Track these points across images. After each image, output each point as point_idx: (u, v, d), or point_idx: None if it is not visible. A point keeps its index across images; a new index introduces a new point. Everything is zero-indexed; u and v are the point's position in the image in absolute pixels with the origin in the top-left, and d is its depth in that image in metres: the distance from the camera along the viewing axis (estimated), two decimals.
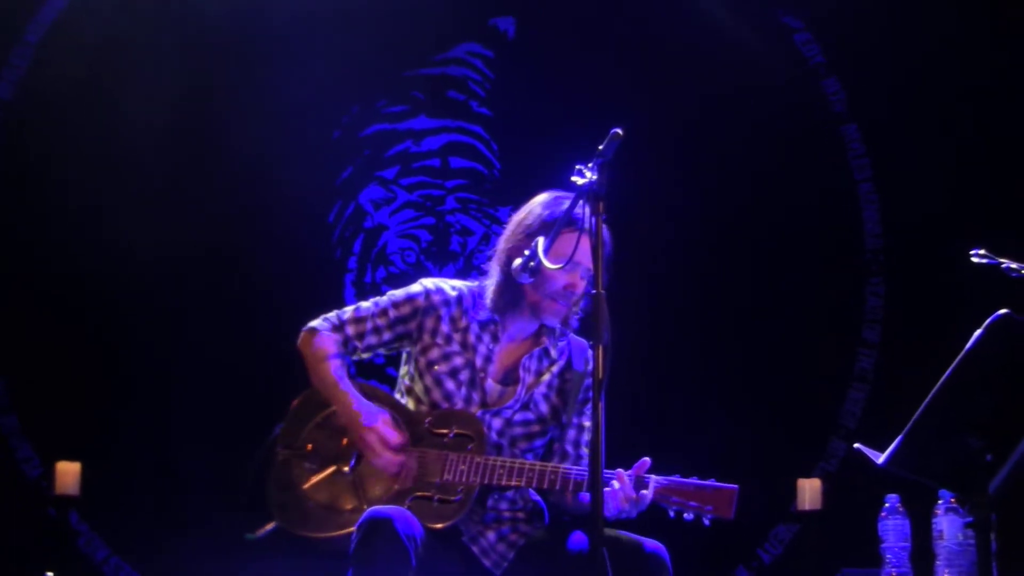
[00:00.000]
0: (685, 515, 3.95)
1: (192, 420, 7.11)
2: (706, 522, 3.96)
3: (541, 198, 4.23)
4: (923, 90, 7.30)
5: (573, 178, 3.56)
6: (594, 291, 3.46)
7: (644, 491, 3.92)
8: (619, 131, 3.51)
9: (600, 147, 3.52)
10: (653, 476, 3.94)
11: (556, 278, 4.07)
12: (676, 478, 3.95)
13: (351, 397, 4.11)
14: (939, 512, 5.60)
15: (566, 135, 6.78)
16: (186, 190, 7.28)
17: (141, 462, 7.09)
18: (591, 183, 3.52)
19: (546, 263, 3.77)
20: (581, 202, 3.55)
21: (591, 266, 3.96)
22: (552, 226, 3.92)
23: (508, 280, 4.11)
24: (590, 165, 3.53)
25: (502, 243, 4.22)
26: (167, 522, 6.98)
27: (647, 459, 3.95)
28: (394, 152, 7.68)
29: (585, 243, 3.95)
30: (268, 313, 6.90)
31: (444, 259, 7.52)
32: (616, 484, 3.90)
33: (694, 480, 3.96)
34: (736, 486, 3.95)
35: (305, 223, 7.53)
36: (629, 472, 3.93)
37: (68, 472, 6.68)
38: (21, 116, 7.34)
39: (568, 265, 3.96)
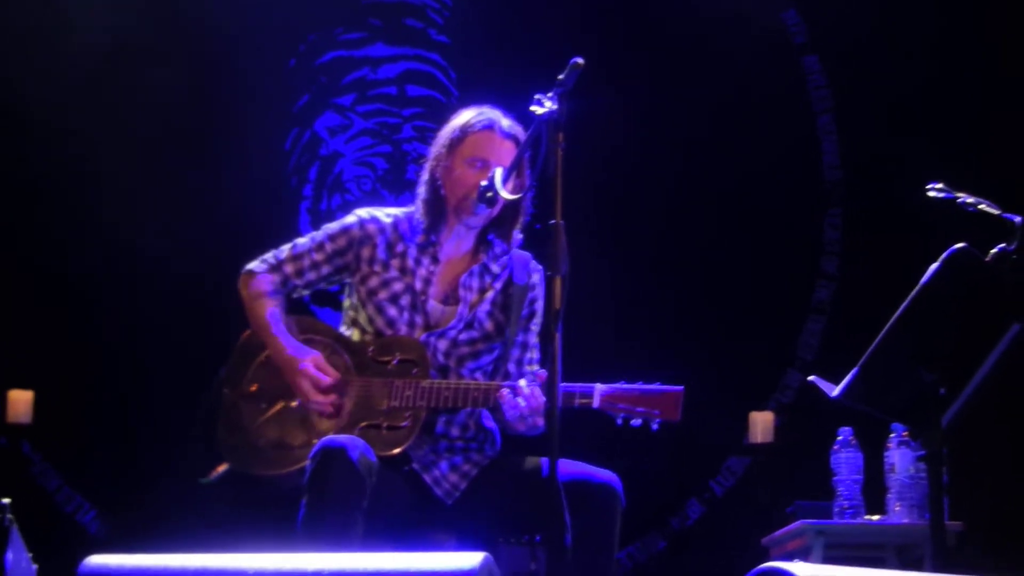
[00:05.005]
0: (632, 421, 3.90)
1: (147, 349, 7.07)
2: (654, 427, 3.91)
3: (462, 111, 4.23)
4: (884, 21, 7.28)
5: (532, 107, 3.52)
6: (553, 221, 3.43)
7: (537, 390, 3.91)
8: (580, 60, 3.48)
9: (560, 76, 3.49)
10: (598, 384, 3.93)
11: (466, 177, 4.08)
12: (622, 384, 3.91)
13: (282, 341, 4.08)
14: (891, 445, 5.65)
15: (525, 63, 6.74)
16: (137, 113, 7.18)
17: (94, 391, 7.05)
18: (550, 112, 3.48)
19: (457, 166, 4.07)
20: (540, 132, 3.52)
21: (505, 162, 4.03)
22: (465, 130, 4.11)
23: (431, 191, 4.15)
24: (549, 95, 3.49)
25: (428, 160, 4.21)
26: (120, 452, 6.96)
27: (543, 371, 3.93)
28: (351, 79, 7.62)
29: (493, 139, 4.09)
30: (224, 240, 6.83)
31: (400, 188, 7.47)
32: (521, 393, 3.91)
33: (639, 385, 3.91)
34: (682, 387, 3.91)
35: (261, 151, 7.47)
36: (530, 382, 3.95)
37: (20, 400, 6.66)
38: None
39: (478, 163, 4.07)
